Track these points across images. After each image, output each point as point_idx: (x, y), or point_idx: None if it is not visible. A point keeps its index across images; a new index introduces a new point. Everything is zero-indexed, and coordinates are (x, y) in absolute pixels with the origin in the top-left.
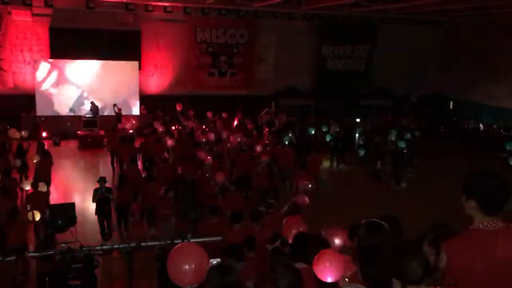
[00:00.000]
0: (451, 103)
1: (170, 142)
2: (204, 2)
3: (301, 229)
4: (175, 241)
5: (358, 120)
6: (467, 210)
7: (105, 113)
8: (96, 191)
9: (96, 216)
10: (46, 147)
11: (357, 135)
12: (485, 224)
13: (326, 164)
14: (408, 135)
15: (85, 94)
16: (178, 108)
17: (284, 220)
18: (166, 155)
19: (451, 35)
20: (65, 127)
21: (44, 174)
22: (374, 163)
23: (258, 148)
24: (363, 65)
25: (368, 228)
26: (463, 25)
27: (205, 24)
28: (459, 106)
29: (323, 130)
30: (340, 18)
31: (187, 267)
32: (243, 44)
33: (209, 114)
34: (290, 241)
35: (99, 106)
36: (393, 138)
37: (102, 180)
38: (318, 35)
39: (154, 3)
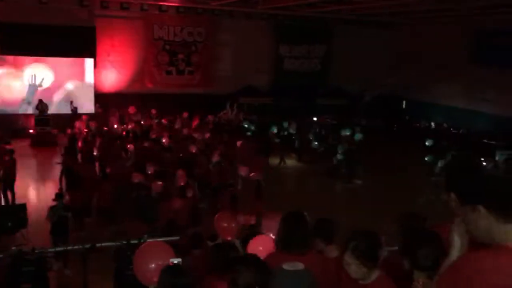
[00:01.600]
0: (404, 102)
1: (131, 146)
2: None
3: (232, 225)
4: (131, 242)
5: (314, 119)
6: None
7: (59, 111)
8: (53, 210)
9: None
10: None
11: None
12: None
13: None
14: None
15: (38, 92)
16: (131, 111)
17: (216, 216)
18: (123, 154)
19: (402, 37)
20: (16, 126)
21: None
22: (329, 160)
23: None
24: (319, 65)
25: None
26: (413, 27)
27: (163, 22)
28: (412, 106)
29: (284, 128)
30: (297, 18)
31: (153, 265)
32: (200, 42)
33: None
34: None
35: (47, 104)
36: (347, 133)
37: (59, 196)
38: (275, 35)
39: None
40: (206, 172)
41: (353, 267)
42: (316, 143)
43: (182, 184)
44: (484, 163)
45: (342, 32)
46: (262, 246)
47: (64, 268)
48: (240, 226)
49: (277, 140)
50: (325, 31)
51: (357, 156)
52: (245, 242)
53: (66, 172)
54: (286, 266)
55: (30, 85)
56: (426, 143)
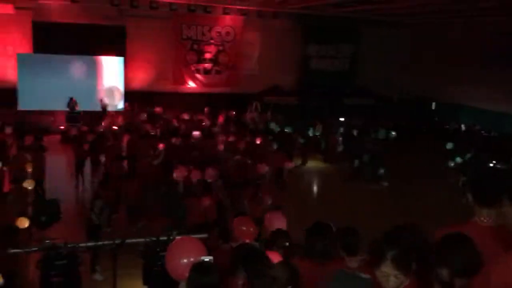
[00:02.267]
0: (433, 104)
1: (159, 144)
2: None
3: (251, 229)
4: (160, 238)
5: (341, 119)
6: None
7: (89, 109)
8: (96, 211)
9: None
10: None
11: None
12: (482, 218)
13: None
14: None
15: (68, 89)
16: (158, 110)
17: (267, 215)
18: (151, 152)
19: (430, 37)
20: (48, 122)
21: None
22: (352, 161)
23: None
24: (347, 64)
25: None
26: (441, 26)
27: (191, 21)
28: (441, 107)
29: (310, 128)
30: (324, 18)
31: (185, 261)
32: (228, 42)
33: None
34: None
35: (77, 102)
36: (374, 134)
37: (97, 197)
38: (302, 35)
39: None
40: (229, 170)
41: (392, 279)
42: (342, 144)
43: (209, 181)
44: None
45: (370, 31)
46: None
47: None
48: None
49: (301, 141)
50: (352, 31)
51: (383, 158)
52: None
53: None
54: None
55: (63, 83)
56: (447, 147)
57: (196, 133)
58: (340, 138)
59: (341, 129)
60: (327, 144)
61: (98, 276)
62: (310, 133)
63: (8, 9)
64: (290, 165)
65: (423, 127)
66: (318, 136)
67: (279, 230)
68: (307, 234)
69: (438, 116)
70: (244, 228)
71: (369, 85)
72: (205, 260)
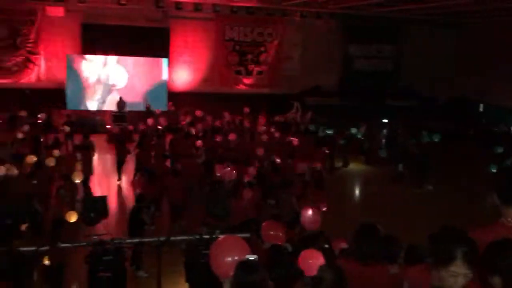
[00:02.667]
0: (481, 106)
1: (201, 144)
2: (233, 0)
3: (279, 233)
4: (203, 236)
5: (384, 120)
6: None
7: (134, 109)
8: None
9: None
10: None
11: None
12: (509, 219)
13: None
14: (428, 137)
15: (115, 90)
16: (198, 113)
17: (264, 224)
18: (194, 151)
19: (476, 37)
20: (95, 122)
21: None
22: (395, 164)
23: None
24: (390, 65)
25: None
26: (490, 26)
27: (234, 22)
28: (490, 110)
29: (352, 129)
30: (367, 17)
31: (230, 259)
32: (270, 42)
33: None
34: None
35: (126, 102)
36: (418, 136)
37: (141, 198)
38: (344, 35)
39: (184, 1)
40: (266, 170)
41: (461, 279)
42: (386, 146)
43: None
44: None
45: (413, 31)
46: (312, 260)
47: (139, 269)
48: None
49: (342, 142)
50: (396, 31)
51: (428, 161)
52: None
53: (138, 166)
54: None
55: (109, 84)
56: (497, 151)
57: (235, 133)
58: (383, 140)
59: (384, 131)
60: (369, 146)
61: (142, 273)
62: (352, 135)
63: (59, 12)
64: (318, 165)
65: (469, 130)
66: (360, 138)
67: (318, 232)
68: (355, 235)
69: (486, 118)
70: (273, 233)
71: (413, 86)
72: (250, 259)
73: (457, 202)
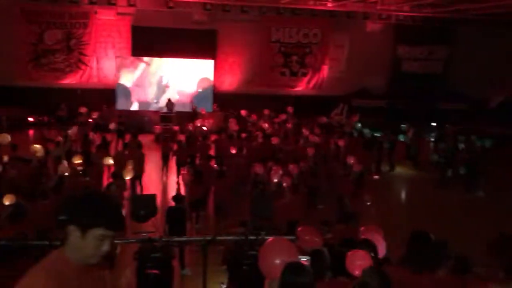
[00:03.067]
0: None
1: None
2: (279, 1)
3: (316, 239)
4: (249, 237)
5: (433, 124)
6: None
7: (181, 109)
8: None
9: None
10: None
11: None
12: None
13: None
14: (479, 142)
15: (163, 91)
16: (243, 113)
17: (299, 229)
18: (239, 152)
19: None
20: (143, 122)
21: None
22: (445, 169)
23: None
24: (440, 67)
25: None
26: None
27: (280, 24)
28: None
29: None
30: (417, 18)
31: (278, 261)
32: (315, 44)
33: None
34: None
35: (174, 103)
36: (470, 141)
37: (179, 198)
38: (393, 36)
39: (230, 3)
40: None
41: None
42: (434, 150)
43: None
44: None
45: (466, 32)
46: (360, 261)
47: (183, 268)
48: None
49: (388, 145)
50: (447, 32)
51: (480, 166)
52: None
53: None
54: None
55: (158, 85)
56: None
57: (279, 134)
58: (432, 144)
59: (433, 135)
60: (418, 150)
61: (186, 271)
62: (400, 138)
63: (111, 14)
64: (357, 168)
65: None
66: (408, 142)
67: (366, 240)
68: (408, 242)
69: None
70: (308, 238)
71: (464, 88)
72: (302, 259)
73: (509, 209)
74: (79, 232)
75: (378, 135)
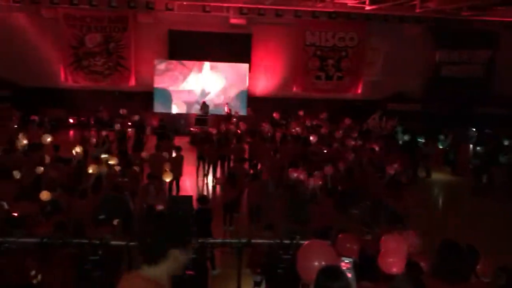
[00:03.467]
0: None
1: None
2: (315, 5)
3: (354, 246)
4: (284, 241)
5: (473, 129)
6: None
7: (216, 112)
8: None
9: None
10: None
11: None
12: None
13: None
14: None
15: (199, 94)
16: (276, 116)
17: (340, 235)
18: (273, 154)
19: None
20: (179, 124)
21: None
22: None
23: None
24: (481, 71)
25: None
26: None
27: (315, 27)
28: None
29: (439, 140)
30: (458, 21)
31: (316, 263)
32: (352, 48)
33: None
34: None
35: (209, 106)
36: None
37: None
38: (432, 39)
39: (266, 7)
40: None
41: None
42: (474, 156)
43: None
44: None
45: (508, 35)
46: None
47: (214, 268)
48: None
49: (424, 150)
50: (489, 35)
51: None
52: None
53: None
54: None
55: (190, 88)
56: None
57: (313, 138)
58: (472, 150)
59: (473, 140)
60: (456, 156)
61: (217, 271)
62: (438, 143)
63: (149, 19)
64: (392, 171)
65: None
66: (447, 147)
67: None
68: (438, 252)
69: None
70: (348, 246)
71: (506, 93)
72: (345, 261)
73: None
74: (180, 251)
75: (415, 140)
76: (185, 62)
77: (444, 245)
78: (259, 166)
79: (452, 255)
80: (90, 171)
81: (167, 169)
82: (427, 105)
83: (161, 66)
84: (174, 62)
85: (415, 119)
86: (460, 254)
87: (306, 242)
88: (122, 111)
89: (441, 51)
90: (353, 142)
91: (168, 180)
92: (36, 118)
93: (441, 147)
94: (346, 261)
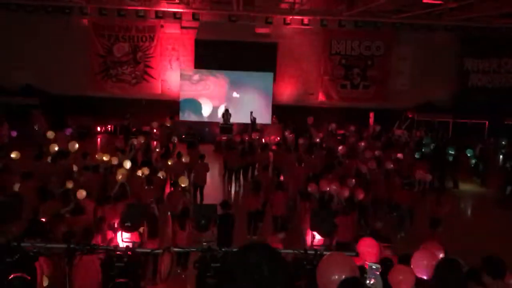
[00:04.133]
0: None
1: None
2: (341, 14)
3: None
4: (308, 251)
5: (503, 141)
6: None
7: (240, 121)
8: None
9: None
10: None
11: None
12: None
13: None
14: None
15: (223, 102)
16: (309, 121)
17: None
18: (297, 164)
19: None
20: (204, 132)
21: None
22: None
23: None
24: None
25: None
26: None
27: (341, 36)
28: None
29: (467, 150)
30: (487, 29)
31: (336, 277)
32: (378, 56)
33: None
34: None
35: (231, 114)
36: None
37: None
38: (460, 48)
39: (292, 16)
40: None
41: None
42: (504, 168)
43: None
44: None
45: None
46: (402, 276)
47: None
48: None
49: (452, 161)
50: None
51: None
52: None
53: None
54: None
55: (216, 97)
56: None
57: (342, 148)
58: (502, 161)
59: (503, 151)
60: (485, 167)
61: None
62: (467, 154)
63: (176, 28)
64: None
65: None
66: (475, 158)
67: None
68: (437, 268)
69: None
70: (370, 250)
71: None
72: (373, 267)
73: None
74: None
75: (444, 150)
76: (210, 71)
77: (443, 262)
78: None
79: (449, 273)
80: (120, 177)
81: (189, 176)
82: (456, 115)
83: (187, 75)
84: (200, 71)
85: (444, 129)
86: (457, 272)
87: (326, 255)
88: (150, 122)
89: (469, 60)
90: (376, 152)
91: (183, 185)
92: (66, 126)
93: (470, 158)
94: (373, 267)
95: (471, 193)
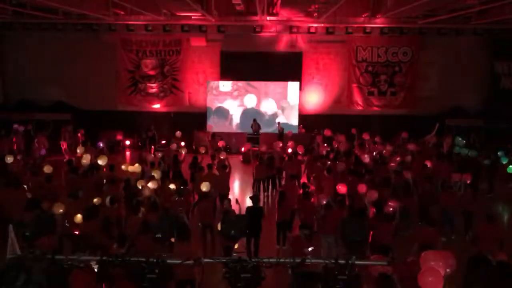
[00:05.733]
0: None
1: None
2: (367, 21)
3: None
4: (339, 261)
5: None
6: None
7: (268, 131)
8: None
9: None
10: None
11: None
12: None
13: None
14: None
15: (251, 113)
16: (328, 134)
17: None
18: (324, 173)
19: None
20: (231, 143)
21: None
22: None
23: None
24: None
25: None
26: None
27: (366, 43)
28: None
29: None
30: None
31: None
32: (405, 62)
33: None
34: None
35: (260, 124)
36: None
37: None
38: (490, 51)
39: (316, 25)
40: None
41: None
42: None
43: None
44: None
45: None
46: (432, 277)
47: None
48: None
49: (486, 167)
50: None
51: None
52: None
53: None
54: None
55: (243, 107)
56: None
57: (368, 156)
58: None
59: None
60: None
61: None
62: (501, 160)
63: (201, 41)
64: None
65: None
66: (509, 164)
67: None
68: (468, 266)
69: None
70: (433, 263)
71: None
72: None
73: None
74: None
75: (476, 156)
76: (237, 82)
77: (474, 258)
78: (311, 187)
79: (481, 269)
80: (150, 186)
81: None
82: (488, 120)
83: (214, 86)
84: (226, 82)
85: (476, 134)
86: (487, 268)
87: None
88: (177, 133)
89: (499, 63)
90: (409, 158)
91: (204, 189)
92: (98, 140)
93: (504, 163)
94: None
95: (505, 199)
